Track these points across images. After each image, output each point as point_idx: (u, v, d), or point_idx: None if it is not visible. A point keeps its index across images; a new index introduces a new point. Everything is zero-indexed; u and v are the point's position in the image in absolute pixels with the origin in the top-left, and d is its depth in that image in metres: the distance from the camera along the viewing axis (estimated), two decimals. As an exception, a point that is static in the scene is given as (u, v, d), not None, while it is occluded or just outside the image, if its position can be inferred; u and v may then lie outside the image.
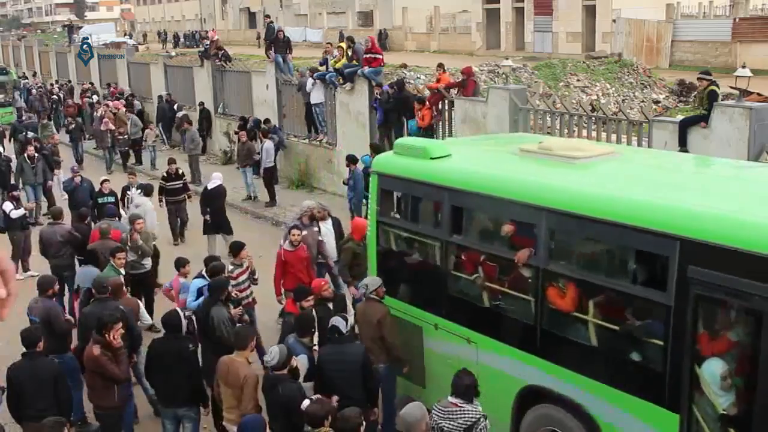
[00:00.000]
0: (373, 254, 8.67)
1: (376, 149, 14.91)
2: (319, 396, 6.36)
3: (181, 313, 8.00)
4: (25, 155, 17.71)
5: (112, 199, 13.92)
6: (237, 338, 7.31)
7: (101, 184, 14.31)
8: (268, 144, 18.18)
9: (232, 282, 9.61)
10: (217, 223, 14.41)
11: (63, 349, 8.62)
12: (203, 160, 23.05)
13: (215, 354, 7.70)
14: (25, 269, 14.20)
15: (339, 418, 5.88)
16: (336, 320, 7.52)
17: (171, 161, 15.74)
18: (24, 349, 7.42)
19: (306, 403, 6.29)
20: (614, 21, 38.85)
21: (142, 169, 22.76)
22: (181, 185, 15.60)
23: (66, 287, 11.72)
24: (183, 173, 16.02)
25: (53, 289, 8.96)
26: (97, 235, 11.26)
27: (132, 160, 23.62)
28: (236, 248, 10.04)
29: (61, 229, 11.97)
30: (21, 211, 14.30)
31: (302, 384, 6.89)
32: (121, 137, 23.08)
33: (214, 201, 14.43)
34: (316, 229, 11.14)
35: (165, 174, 15.60)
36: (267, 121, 19.91)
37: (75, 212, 13.15)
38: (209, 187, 14.53)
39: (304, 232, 10.76)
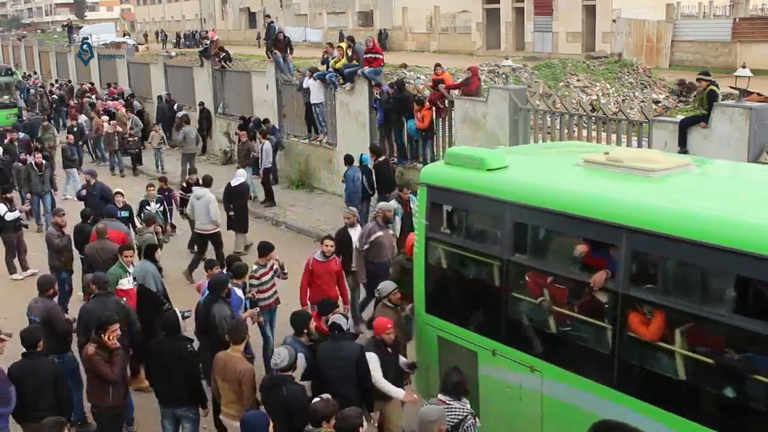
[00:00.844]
0: (420, 272, 8.04)
1: (375, 151, 14.99)
2: (328, 396, 6.35)
3: (180, 314, 8.00)
4: (32, 162, 16.97)
5: (125, 215, 12.98)
6: (233, 332, 7.31)
7: (114, 196, 13.35)
8: (267, 144, 18.20)
9: (255, 282, 9.52)
10: (236, 221, 14.44)
11: (63, 349, 8.62)
12: (203, 160, 23.08)
13: (214, 351, 7.68)
14: (24, 268, 14.21)
15: (339, 417, 5.87)
16: (338, 318, 7.50)
17: (192, 171, 15.15)
18: (24, 349, 7.42)
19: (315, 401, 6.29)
20: (614, 21, 38.88)
21: (143, 169, 22.79)
22: None
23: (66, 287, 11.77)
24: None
25: (53, 289, 8.96)
26: (95, 235, 11.20)
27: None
28: (265, 249, 9.80)
29: (48, 230, 12.04)
30: (16, 214, 14.24)
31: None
32: (131, 139, 22.76)
33: (236, 198, 14.49)
34: (391, 231, 10.76)
35: (185, 183, 14.97)
36: (266, 121, 19.92)
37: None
38: (233, 184, 14.62)
39: (380, 233, 10.39)
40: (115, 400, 7.59)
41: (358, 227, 11.03)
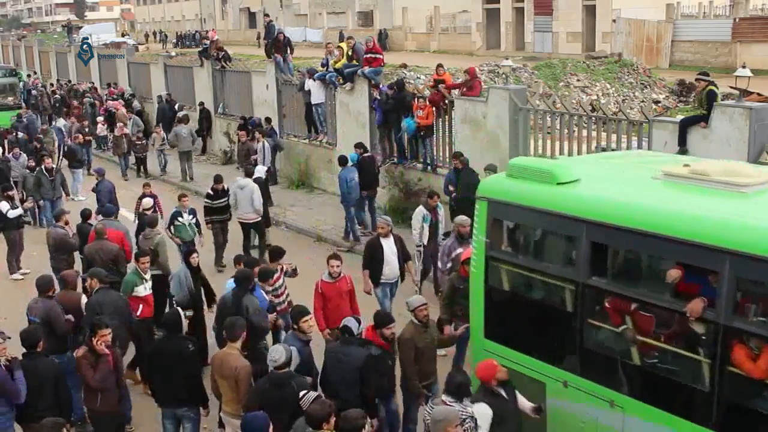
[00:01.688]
0: (479, 294, 7.48)
1: (361, 146, 15.06)
2: (322, 397, 6.36)
3: (182, 313, 8.02)
4: (43, 167, 16.57)
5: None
6: (230, 330, 7.32)
7: (143, 214, 12.47)
8: (265, 144, 18.19)
9: (269, 288, 9.31)
10: None
11: (63, 349, 8.61)
12: (203, 160, 23.07)
13: (245, 343, 7.56)
14: (17, 267, 14.22)
15: (342, 418, 5.87)
16: (349, 320, 7.48)
17: (218, 179, 14.21)
18: (24, 350, 7.43)
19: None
20: (614, 21, 38.92)
21: (149, 171, 22.73)
22: (227, 203, 14.00)
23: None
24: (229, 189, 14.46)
25: (53, 289, 8.97)
26: (93, 235, 11.17)
27: (132, 160, 23.38)
28: (277, 254, 9.72)
29: (56, 232, 12.05)
30: (18, 211, 14.27)
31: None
32: (138, 143, 22.40)
33: None
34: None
35: (210, 192, 14.08)
36: (269, 120, 19.93)
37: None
38: None
39: (460, 249, 9.68)
40: (103, 405, 7.49)
41: (391, 237, 10.41)
